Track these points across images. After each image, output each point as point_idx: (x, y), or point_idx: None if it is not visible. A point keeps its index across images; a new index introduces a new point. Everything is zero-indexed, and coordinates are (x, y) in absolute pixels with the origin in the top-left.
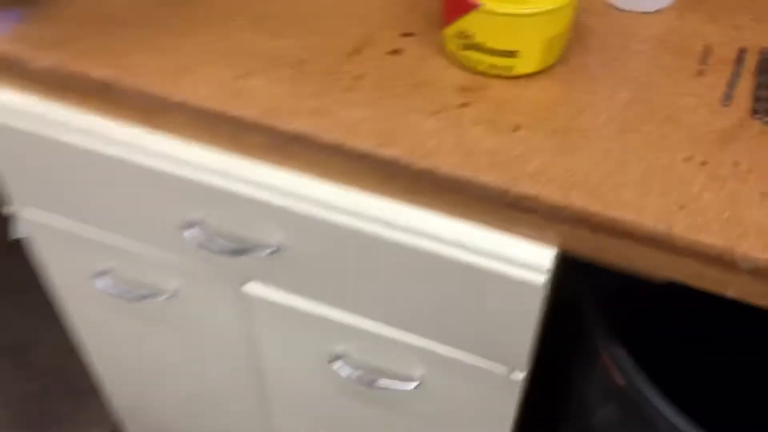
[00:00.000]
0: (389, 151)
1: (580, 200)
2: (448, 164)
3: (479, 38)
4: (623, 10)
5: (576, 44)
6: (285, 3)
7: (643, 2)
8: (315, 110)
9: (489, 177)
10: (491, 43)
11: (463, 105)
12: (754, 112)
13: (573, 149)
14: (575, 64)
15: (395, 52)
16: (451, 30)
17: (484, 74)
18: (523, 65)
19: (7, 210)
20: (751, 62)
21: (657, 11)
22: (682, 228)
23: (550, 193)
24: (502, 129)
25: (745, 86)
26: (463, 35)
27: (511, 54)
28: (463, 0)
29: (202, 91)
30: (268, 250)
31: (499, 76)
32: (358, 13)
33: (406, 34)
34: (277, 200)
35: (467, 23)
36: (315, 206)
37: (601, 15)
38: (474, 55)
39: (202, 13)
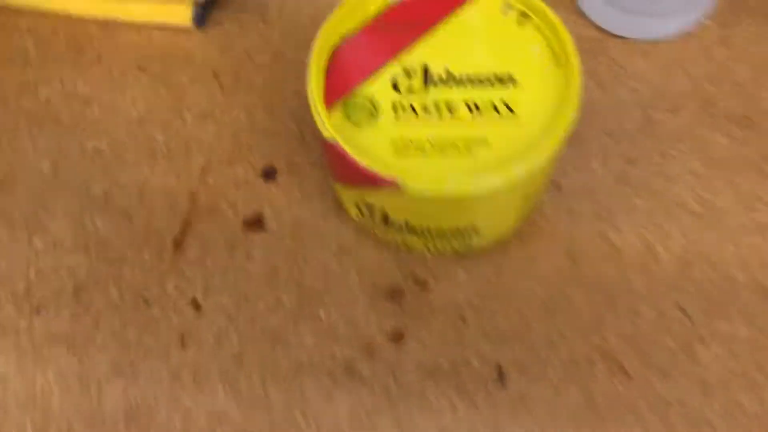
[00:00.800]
0: None
1: None
2: None
3: (402, 218)
4: (627, 40)
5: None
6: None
7: (657, 24)
8: (126, 415)
9: None
10: (425, 224)
11: (396, 339)
12: None
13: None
14: (569, 188)
15: (255, 222)
16: (349, 194)
17: (418, 252)
18: (485, 238)
19: None
20: None
21: (686, 31)
22: None
23: None
24: (476, 391)
25: None
26: (372, 209)
27: (461, 233)
28: (363, 174)
29: None
30: None
31: (444, 253)
32: (179, 144)
33: (267, 173)
34: None
35: (378, 198)
36: None
37: (594, 54)
38: (396, 235)
39: None
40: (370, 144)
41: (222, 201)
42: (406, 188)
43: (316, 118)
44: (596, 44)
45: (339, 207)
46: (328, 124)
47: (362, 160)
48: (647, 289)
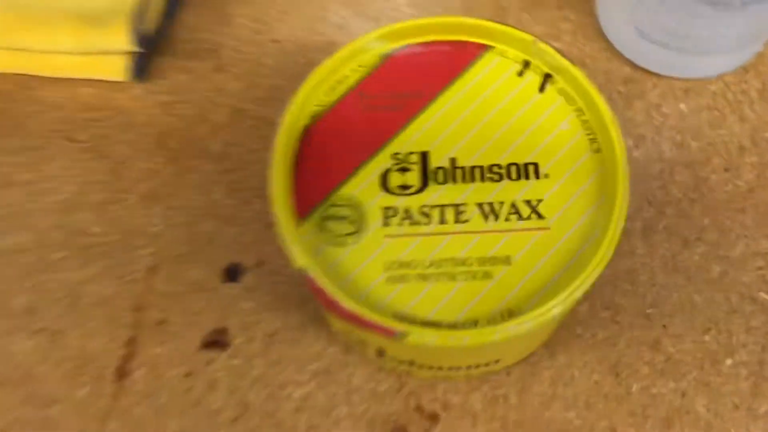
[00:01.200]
0: None
1: None
2: None
3: (405, 357)
4: (668, 78)
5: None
6: None
7: (704, 60)
8: None
9: None
10: (434, 364)
11: None
12: None
13: None
14: (608, 278)
15: (217, 340)
16: (335, 321)
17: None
18: (508, 364)
19: None
20: None
21: (740, 65)
22: None
23: None
24: None
25: None
26: (364, 343)
27: (478, 366)
28: (349, 316)
29: None
30: None
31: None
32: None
33: (230, 273)
34: None
35: (372, 338)
36: None
37: (628, 99)
38: (397, 366)
39: None
40: (356, 269)
41: (175, 313)
42: (408, 342)
43: (283, 244)
44: (630, 86)
45: (321, 315)
46: (299, 250)
47: (347, 303)
48: (713, 412)
